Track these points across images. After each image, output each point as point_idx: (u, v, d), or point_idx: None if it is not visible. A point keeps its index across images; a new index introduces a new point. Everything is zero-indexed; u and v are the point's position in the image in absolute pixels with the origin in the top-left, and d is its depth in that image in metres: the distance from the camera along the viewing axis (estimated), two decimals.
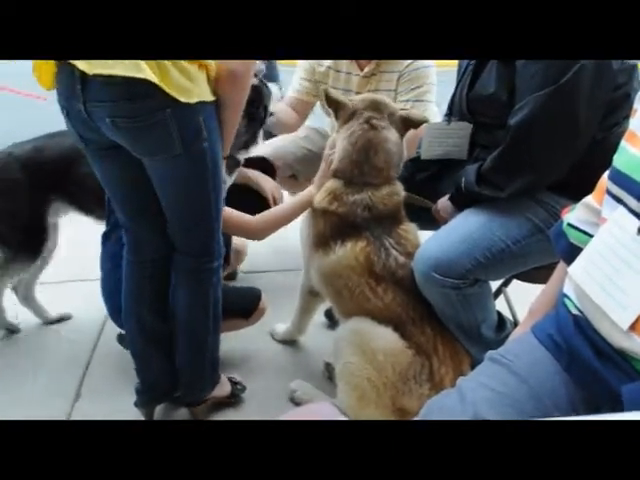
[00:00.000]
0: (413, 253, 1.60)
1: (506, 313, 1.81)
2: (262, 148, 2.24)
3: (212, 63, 1.34)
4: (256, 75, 1.83)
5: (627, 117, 1.02)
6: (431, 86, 2.15)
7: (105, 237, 1.84)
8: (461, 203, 1.66)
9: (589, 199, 1.06)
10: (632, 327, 0.82)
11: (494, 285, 1.79)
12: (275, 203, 2.14)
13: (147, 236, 1.57)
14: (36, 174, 1.88)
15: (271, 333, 2.18)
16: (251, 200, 2.08)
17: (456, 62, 1.84)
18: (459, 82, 1.79)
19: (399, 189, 1.72)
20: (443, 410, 0.95)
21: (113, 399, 1.83)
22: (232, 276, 2.53)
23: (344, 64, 2.23)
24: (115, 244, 1.76)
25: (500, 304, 1.86)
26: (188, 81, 1.27)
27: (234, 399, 1.82)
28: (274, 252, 2.81)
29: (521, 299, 1.69)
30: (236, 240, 2.06)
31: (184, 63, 1.26)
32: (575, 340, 0.93)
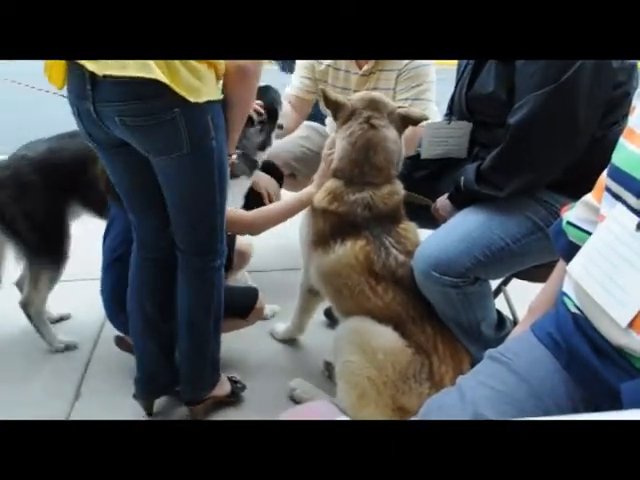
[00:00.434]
0: (413, 252, 1.60)
1: (506, 312, 1.81)
2: None
3: (221, 62, 1.35)
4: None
5: (626, 115, 1.02)
6: (430, 84, 2.15)
7: (106, 233, 1.85)
8: (460, 202, 1.66)
9: (588, 197, 1.06)
10: (631, 324, 0.82)
11: (494, 284, 1.79)
12: (270, 200, 2.14)
13: (151, 235, 1.58)
14: (51, 176, 1.88)
15: (271, 332, 2.19)
16: (247, 196, 2.09)
17: (455, 61, 1.84)
18: (458, 81, 1.79)
19: (399, 188, 1.72)
20: (443, 409, 0.95)
21: (113, 399, 1.82)
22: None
23: (343, 62, 2.23)
24: (114, 240, 1.76)
25: (500, 303, 1.86)
26: (197, 80, 1.28)
27: (234, 398, 1.82)
28: (274, 251, 2.80)
29: (521, 298, 1.69)
30: (240, 242, 2.05)
31: (194, 62, 1.26)
32: (574, 338, 0.93)
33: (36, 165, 1.88)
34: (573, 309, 0.95)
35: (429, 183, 1.89)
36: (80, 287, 2.05)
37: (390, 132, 1.68)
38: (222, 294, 1.63)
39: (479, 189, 1.57)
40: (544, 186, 1.56)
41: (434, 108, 2.15)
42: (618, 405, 0.80)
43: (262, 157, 2.07)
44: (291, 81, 2.38)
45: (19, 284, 2.16)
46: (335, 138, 1.74)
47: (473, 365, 1.28)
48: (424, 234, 1.69)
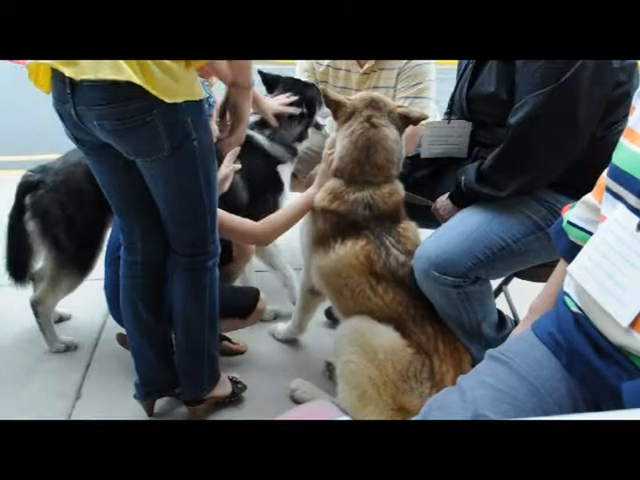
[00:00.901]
0: (413, 251, 1.60)
1: (507, 311, 1.81)
2: None
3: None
4: None
5: (627, 115, 1.01)
6: (430, 83, 2.15)
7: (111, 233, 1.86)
8: (461, 201, 1.66)
9: (589, 197, 1.06)
10: (632, 324, 0.81)
11: (494, 283, 1.79)
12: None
13: (138, 239, 1.57)
14: None
15: (272, 332, 2.19)
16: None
17: (456, 60, 1.84)
18: (459, 81, 1.79)
19: (399, 187, 1.72)
20: (443, 408, 0.95)
21: (114, 399, 1.83)
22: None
23: (343, 62, 2.23)
24: (117, 240, 1.76)
25: (501, 302, 1.86)
26: (172, 80, 1.26)
27: (235, 398, 1.82)
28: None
29: (521, 297, 1.68)
30: None
31: (168, 62, 1.24)
32: (575, 338, 0.93)
33: (90, 174, 1.86)
34: (574, 308, 0.95)
35: (429, 183, 1.89)
36: (80, 287, 2.05)
37: (390, 131, 1.68)
38: (216, 293, 1.63)
39: (479, 189, 1.57)
40: (545, 186, 1.56)
41: (434, 106, 2.15)
42: (619, 404, 0.80)
43: (300, 147, 2.25)
44: None
45: (35, 278, 2.13)
46: (335, 138, 1.75)
47: (474, 365, 1.28)
48: (424, 234, 1.69)
